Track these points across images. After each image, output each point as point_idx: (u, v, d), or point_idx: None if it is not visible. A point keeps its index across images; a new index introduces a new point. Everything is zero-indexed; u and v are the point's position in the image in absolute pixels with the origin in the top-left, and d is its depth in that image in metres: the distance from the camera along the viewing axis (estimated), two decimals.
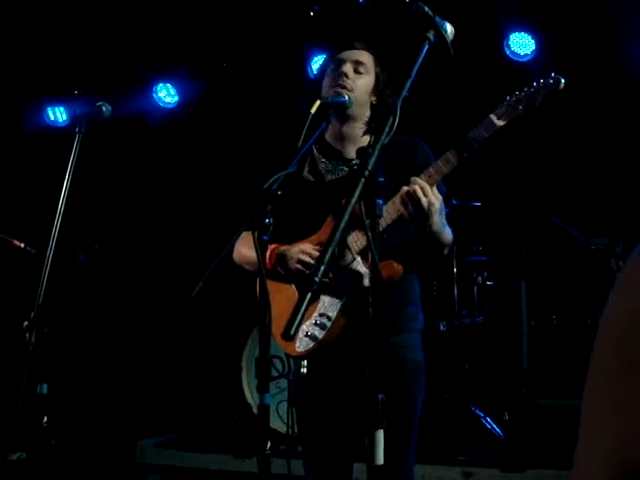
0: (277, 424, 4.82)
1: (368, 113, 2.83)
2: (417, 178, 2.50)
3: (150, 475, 5.32)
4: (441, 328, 5.20)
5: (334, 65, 2.81)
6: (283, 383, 4.54)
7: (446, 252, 2.76)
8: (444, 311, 5.25)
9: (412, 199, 2.47)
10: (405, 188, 2.49)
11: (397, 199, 2.56)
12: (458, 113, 5.24)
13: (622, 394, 0.66)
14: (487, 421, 4.89)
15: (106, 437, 5.76)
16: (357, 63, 2.79)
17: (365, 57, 2.82)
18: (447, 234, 2.66)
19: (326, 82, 2.81)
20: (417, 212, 2.48)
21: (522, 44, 5.52)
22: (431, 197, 2.47)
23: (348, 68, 2.77)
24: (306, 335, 2.65)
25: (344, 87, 2.75)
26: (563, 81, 2.51)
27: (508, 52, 5.56)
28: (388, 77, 2.86)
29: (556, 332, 5.07)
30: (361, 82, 2.79)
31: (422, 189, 2.47)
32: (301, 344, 2.65)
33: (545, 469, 4.24)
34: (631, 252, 0.73)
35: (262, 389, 2.16)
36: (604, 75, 5.34)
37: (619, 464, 0.64)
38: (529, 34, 5.48)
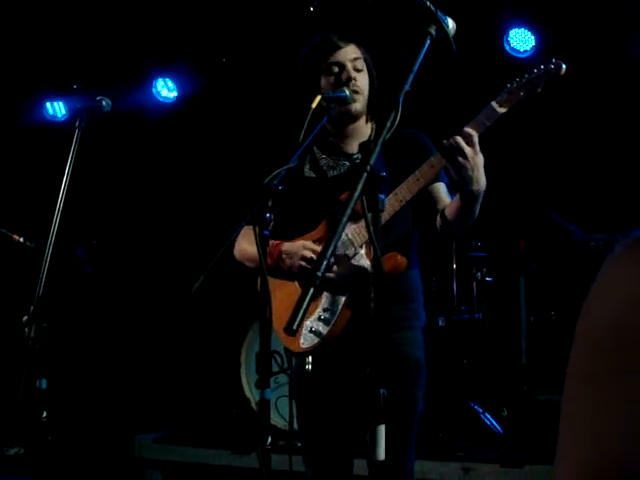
0: (276, 419, 4.82)
1: (366, 106, 2.84)
2: (464, 128, 2.45)
3: (148, 470, 5.32)
4: (440, 324, 5.21)
5: (335, 67, 2.78)
6: (282, 378, 4.54)
7: (463, 233, 2.74)
8: (443, 307, 5.25)
9: (456, 150, 2.42)
10: (447, 140, 2.46)
11: (408, 182, 2.56)
12: (457, 109, 5.23)
13: (599, 398, 0.66)
14: (486, 417, 4.90)
15: (104, 432, 5.76)
16: (354, 61, 2.78)
17: (356, 51, 2.81)
18: (479, 206, 2.61)
19: (328, 83, 2.79)
20: (463, 163, 2.43)
21: (522, 40, 5.51)
22: (477, 147, 2.43)
23: (351, 70, 2.76)
24: (310, 331, 2.64)
25: (357, 92, 2.75)
26: (564, 66, 2.50)
27: (508, 48, 5.55)
28: (373, 61, 2.86)
29: (555, 328, 5.07)
30: (363, 80, 2.79)
31: (466, 138, 2.43)
32: (305, 340, 2.65)
33: (544, 465, 4.24)
34: (610, 253, 0.73)
35: (263, 384, 2.15)
36: (604, 70, 5.33)
37: (594, 468, 0.64)
38: (529, 30, 5.47)
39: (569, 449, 0.67)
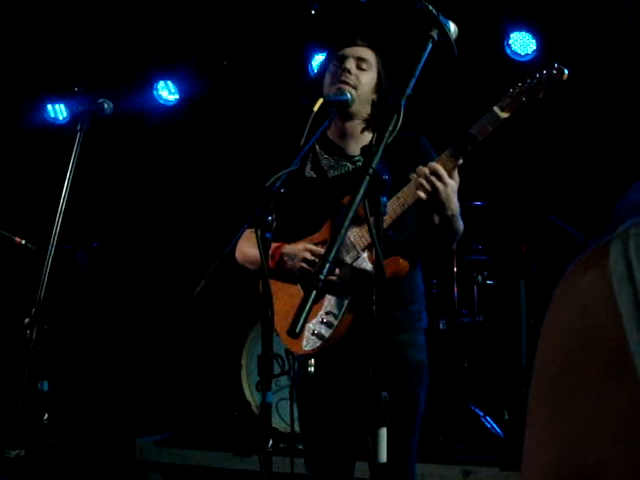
0: (276, 422, 4.82)
1: (369, 110, 2.83)
2: (432, 163, 2.49)
3: (149, 473, 5.32)
4: (441, 327, 5.21)
5: (336, 62, 2.79)
6: (282, 381, 4.54)
7: (454, 245, 2.77)
8: (444, 310, 5.25)
9: (425, 184, 2.47)
10: (415, 174, 2.49)
11: (410, 187, 2.57)
12: (458, 112, 5.24)
13: (554, 407, 0.66)
14: (487, 420, 4.89)
15: (106, 434, 5.75)
16: (360, 59, 2.78)
17: (367, 54, 2.81)
18: (461, 222, 2.66)
19: (328, 79, 2.80)
20: (433, 195, 2.47)
21: (523, 43, 5.51)
22: (445, 179, 2.46)
23: (351, 64, 2.76)
24: (313, 334, 2.65)
25: (347, 84, 2.73)
26: (567, 72, 2.50)
27: (509, 52, 5.55)
28: (389, 74, 2.86)
29: None
30: (364, 79, 2.78)
31: (433, 172, 2.46)
32: (308, 343, 2.65)
33: None
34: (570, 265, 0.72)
35: (264, 387, 2.16)
36: (605, 74, 5.34)
37: (559, 472, 0.65)
38: (530, 33, 5.47)
39: (534, 454, 0.68)
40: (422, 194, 2.48)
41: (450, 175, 2.49)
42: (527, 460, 0.69)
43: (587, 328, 0.66)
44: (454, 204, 2.52)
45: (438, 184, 2.45)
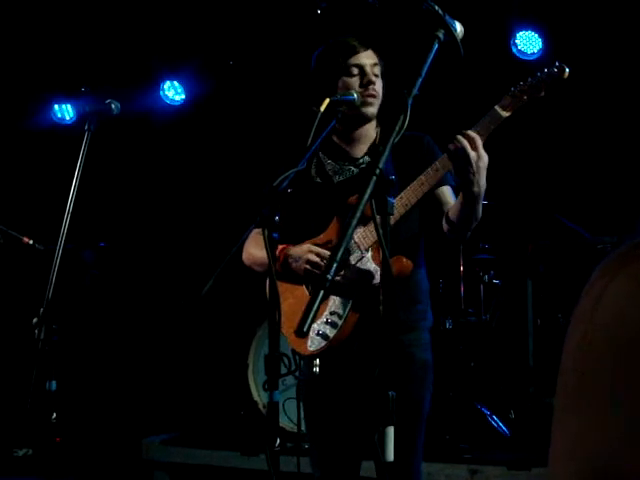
0: (283, 422, 4.83)
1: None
2: (467, 131, 2.45)
3: (156, 472, 5.33)
4: (447, 326, 5.21)
5: (354, 70, 2.78)
6: (289, 380, 4.54)
7: (469, 235, 2.73)
8: (450, 309, 5.25)
9: (461, 154, 2.41)
10: (452, 143, 2.45)
11: (414, 186, 2.56)
12: (464, 111, 5.24)
13: (580, 404, 0.66)
14: (493, 419, 4.89)
15: (113, 434, 5.77)
16: (373, 66, 2.80)
17: (376, 58, 2.83)
18: (481, 207, 2.59)
19: (347, 85, 2.79)
20: (465, 167, 2.41)
21: (529, 42, 5.51)
22: (480, 150, 2.42)
23: (371, 74, 2.78)
24: (317, 334, 2.65)
25: (375, 97, 2.77)
26: (568, 70, 2.50)
27: (515, 50, 5.55)
28: (390, 73, 2.88)
29: (562, 331, 5.06)
30: (379, 85, 2.81)
31: (471, 142, 2.41)
32: (313, 343, 2.66)
33: None
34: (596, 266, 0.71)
35: (271, 386, 2.16)
36: (610, 72, 5.33)
37: (590, 470, 0.64)
38: (536, 32, 5.47)
39: (559, 455, 0.67)
40: (459, 162, 2.41)
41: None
42: (554, 458, 0.67)
43: (630, 333, 0.64)
44: (483, 181, 2.45)
45: (472, 154, 2.39)
